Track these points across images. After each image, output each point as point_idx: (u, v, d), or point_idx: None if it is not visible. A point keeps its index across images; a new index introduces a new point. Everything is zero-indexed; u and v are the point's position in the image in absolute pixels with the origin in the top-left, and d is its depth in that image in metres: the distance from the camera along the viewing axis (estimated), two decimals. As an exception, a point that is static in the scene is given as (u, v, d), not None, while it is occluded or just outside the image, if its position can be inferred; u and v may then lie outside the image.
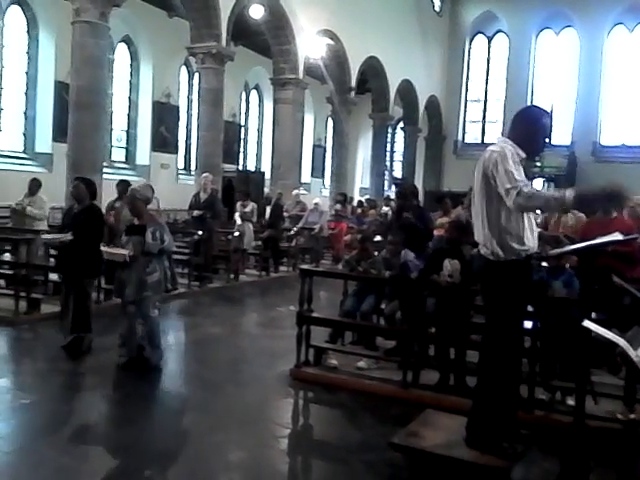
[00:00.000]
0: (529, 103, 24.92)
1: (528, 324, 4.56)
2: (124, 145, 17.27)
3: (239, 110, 21.18)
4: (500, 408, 3.57)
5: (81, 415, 4.46)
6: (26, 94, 14.43)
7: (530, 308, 4.44)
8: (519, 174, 3.33)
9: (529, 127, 3.56)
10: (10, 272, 7.64)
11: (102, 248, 5.90)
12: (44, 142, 14.26)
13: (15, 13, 14.11)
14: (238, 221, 11.51)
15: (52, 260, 7.74)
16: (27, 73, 14.41)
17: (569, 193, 3.17)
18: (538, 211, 4.62)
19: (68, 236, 5.85)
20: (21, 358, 6.02)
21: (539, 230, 4.34)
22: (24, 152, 14.39)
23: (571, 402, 4.46)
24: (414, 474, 3.71)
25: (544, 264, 5.44)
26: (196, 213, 10.08)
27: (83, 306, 5.91)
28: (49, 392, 4.89)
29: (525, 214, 3.49)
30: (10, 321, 6.65)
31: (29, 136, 14.46)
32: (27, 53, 14.38)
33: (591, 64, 23.87)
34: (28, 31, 14.33)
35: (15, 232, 8.13)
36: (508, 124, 3.75)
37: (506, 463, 3.46)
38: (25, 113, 14.46)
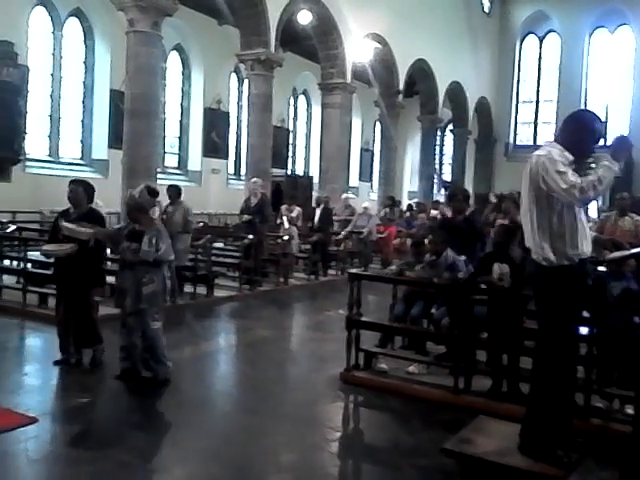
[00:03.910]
0: (582, 103, 24.32)
1: (584, 330, 4.46)
2: (176, 151, 17.66)
3: (287, 115, 21.38)
4: (555, 415, 3.50)
5: (127, 417, 4.57)
6: (83, 103, 14.96)
7: (586, 314, 4.34)
8: (572, 174, 3.30)
9: (579, 131, 3.50)
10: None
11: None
12: (100, 149, 14.74)
13: (73, 25, 14.66)
14: (286, 225, 11.59)
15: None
16: (84, 82, 14.93)
17: (606, 159, 3.29)
18: (593, 215, 4.53)
19: (72, 246, 5.29)
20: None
21: (595, 234, 4.25)
22: (81, 159, 14.90)
23: (630, 411, 4.33)
24: (466, 481, 3.67)
25: (601, 268, 5.31)
26: (245, 218, 10.20)
27: (90, 318, 5.53)
28: (107, 392, 5.04)
29: (577, 218, 3.43)
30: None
31: (86, 143, 14.97)
32: (84, 63, 14.91)
33: (648, 62, 23.14)
34: (85, 41, 14.86)
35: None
36: (559, 126, 3.69)
37: (562, 472, 3.38)
38: (82, 121, 14.98)
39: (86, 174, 13.91)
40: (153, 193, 5.39)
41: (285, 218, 11.72)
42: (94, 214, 5.57)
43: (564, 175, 3.27)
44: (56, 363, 5.47)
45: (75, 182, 5.70)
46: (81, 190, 5.53)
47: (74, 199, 5.52)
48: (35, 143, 13.89)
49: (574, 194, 3.24)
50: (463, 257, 5.82)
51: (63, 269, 5.49)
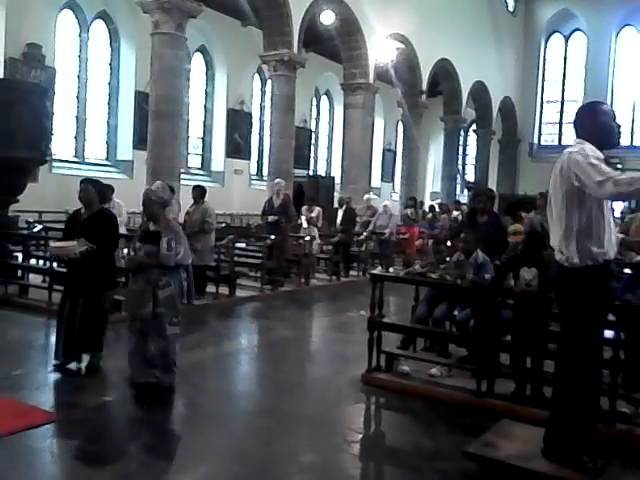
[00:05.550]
0: (609, 103, 23.97)
1: (609, 333, 4.39)
2: (200, 152, 17.79)
3: (310, 116, 21.41)
4: (579, 420, 3.45)
5: (158, 413, 4.62)
6: (108, 104, 15.16)
7: (612, 317, 4.28)
8: (606, 167, 3.28)
9: (595, 121, 3.50)
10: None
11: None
12: (125, 150, 14.91)
13: (99, 27, 14.86)
14: (304, 225, 11.60)
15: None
16: (109, 84, 15.12)
17: None
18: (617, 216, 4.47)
19: (83, 243, 5.10)
20: (105, 357, 6.28)
21: (622, 236, 4.18)
22: (107, 159, 15.09)
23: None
24: (489, 485, 3.65)
25: (627, 271, 5.23)
26: (271, 219, 10.22)
27: (100, 323, 5.30)
28: (128, 392, 5.09)
29: (606, 219, 3.39)
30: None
31: (111, 144, 15.16)
32: (109, 64, 15.10)
33: (677, 61, 22.72)
34: (110, 43, 15.05)
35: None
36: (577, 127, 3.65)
37: (587, 478, 3.34)
38: (107, 122, 15.17)
39: (111, 175, 14.10)
40: (171, 190, 5.22)
41: (303, 218, 11.73)
42: (104, 214, 5.37)
43: (598, 167, 3.25)
44: (54, 367, 5.27)
45: (85, 181, 5.46)
46: (92, 189, 5.33)
47: (85, 199, 5.32)
48: (61, 144, 14.10)
49: (608, 186, 3.20)
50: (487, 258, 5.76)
51: (75, 270, 5.29)
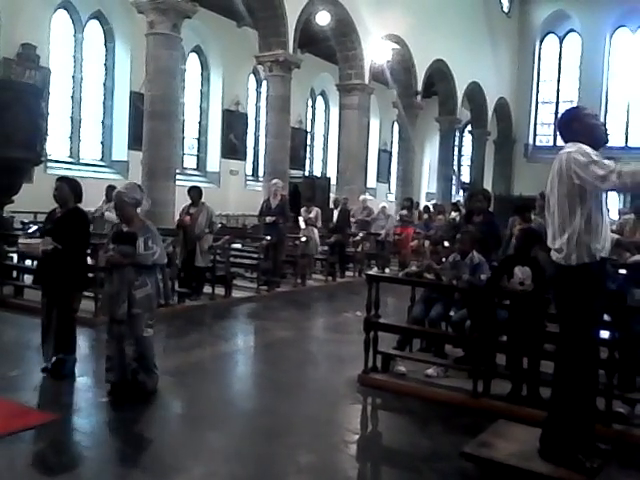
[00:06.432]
0: (603, 104, 24.08)
1: (605, 334, 4.41)
2: (195, 152, 17.77)
3: (305, 116, 21.41)
4: (576, 420, 3.47)
5: (155, 414, 4.62)
6: (103, 104, 15.11)
7: (607, 317, 4.30)
8: (607, 161, 3.34)
9: (582, 123, 3.56)
10: (91, 275, 7.96)
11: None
12: (120, 150, 14.87)
13: (94, 27, 14.82)
14: (302, 226, 11.61)
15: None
16: (104, 84, 15.08)
17: None
18: (615, 216, 4.50)
19: (48, 242, 5.04)
20: (100, 358, 6.26)
21: (617, 236, 4.20)
22: (102, 160, 15.05)
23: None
24: (486, 485, 3.66)
25: (622, 271, 5.25)
26: (269, 219, 10.21)
27: (67, 324, 5.17)
28: (125, 392, 5.07)
29: (603, 218, 3.43)
30: (90, 322, 6.94)
31: (106, 145, 15.12)
32: (104, 65, 15.06)
33: (671, 62, 22.82)
34: (105, 44, 15.01)
35: (93, 237, 8.47)
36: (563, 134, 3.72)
37: (584, 478, 3.35)
38: (103, 123, 15.13)
39: (106, 175, 14.07)
40: (141, 189, 5.15)
41: (301, 219, 11.74)
42: (76, 213, 5.23)
43: (600, 162, 3.31)
44: (43, 370, 5.16)
45: (61, 179, 5.39)
46: (67, 188, 5.22)
47: (59, 197, 5.22)
48: (56, 144, 14.05)
49: (612, 178, 3.25)
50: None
51: (45, 269, 5.21)
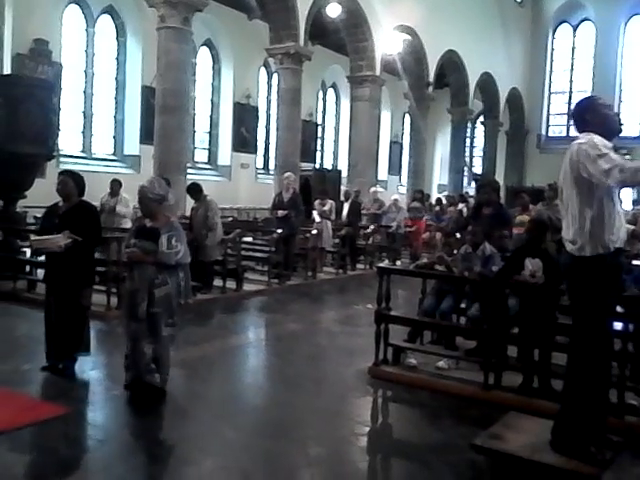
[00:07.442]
0: (617, 93, 23.79)
1: (618, 325, 4.37)
2: (206, 146, 17.80)
3: (316, 109, 21.36)
4: (589, 412, 3.44)
5: (165, 407, 4.64)
6: (115, 99, 15.16)
7: (620, 309, 4.26)
8: (614, 154, 3.31)
9: (597, 113, 3.56)
10: (102, 269, 8.01)
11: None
12: (132, 144, 14.93)
13: (105, 22, 14.86)
14: (317, 219, 11.61)
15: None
16: (116, 79, 15.12)
17: None
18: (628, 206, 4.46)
19: (62, 236, 4.82)
20: (112, 351, 6.30)
21: (632, 227, 4.17)
22: (114, 154, 15.12)
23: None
24: (497, 477, 3.64)
25: (636, 262, 5.20)
26: (281, 213, 10.20)
27: (81, 321, 5.07)
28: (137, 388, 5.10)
29: (616, 208, 3.41)
30: (102, 316, 6.99)
31: (118, 139, 15.18)
32: (116, 59, 15.10)
33: (687, 50, 22.49)
34: (117, 38, 15.05)
35: (105, 231, 8.51)
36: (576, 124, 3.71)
37: (595, 470, 3.34)
38: (114, 117, 15.18)
39: (118, 169, 14.12)
40: (167, 182, 5.00)
41: (315, 212, 11.74)
42: (85, 207, 5.10)
43: (606, 156, 3.28)
44: (44, 369, 5.06)
45: (64, 173, 5.25)
46: (71, 182, 5.07)
47: (63, 191, 5.07)
48: (68, 139, 14.13)
49: (614, 173, 3.23)
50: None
51: (54, 267, 5.06)
